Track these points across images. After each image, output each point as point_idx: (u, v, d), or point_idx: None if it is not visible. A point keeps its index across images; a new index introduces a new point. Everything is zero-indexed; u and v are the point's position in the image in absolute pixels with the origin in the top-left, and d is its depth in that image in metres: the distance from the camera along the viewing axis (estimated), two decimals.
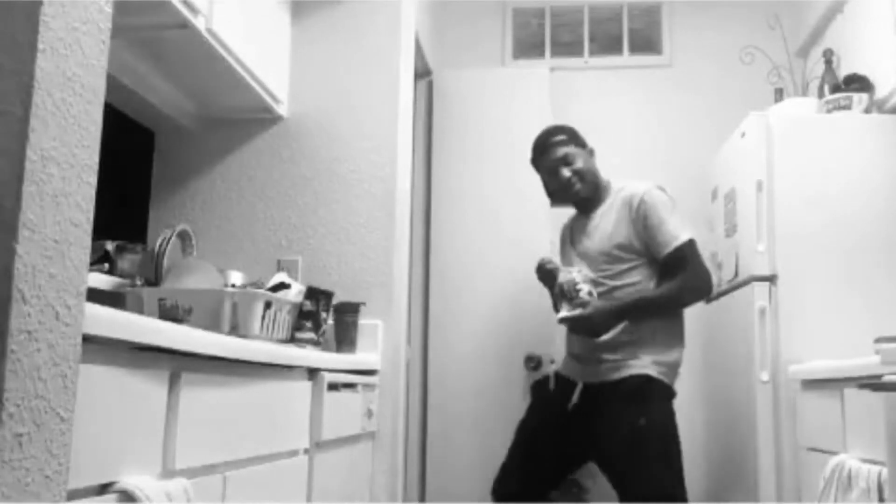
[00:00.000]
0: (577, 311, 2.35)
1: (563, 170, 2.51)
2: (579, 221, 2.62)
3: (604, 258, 2.46)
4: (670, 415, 2.39)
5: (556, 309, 2.47)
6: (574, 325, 2.40)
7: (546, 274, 2.50)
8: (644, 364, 2.39)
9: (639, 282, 2.44)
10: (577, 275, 2.40)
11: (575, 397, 2.46)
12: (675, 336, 2.48)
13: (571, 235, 2.65)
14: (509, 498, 2.50)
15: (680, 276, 2.41)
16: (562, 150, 2.52)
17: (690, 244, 2.43)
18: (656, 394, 2.39)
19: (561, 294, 2.41)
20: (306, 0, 2.73)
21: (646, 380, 2.38)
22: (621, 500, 2.36)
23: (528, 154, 2.67)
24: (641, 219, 2.42)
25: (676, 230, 2.41)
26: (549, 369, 3.01)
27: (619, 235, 2.45)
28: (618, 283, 2.44)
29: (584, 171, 2.52)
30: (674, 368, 2.45)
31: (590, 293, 2.38)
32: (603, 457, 2.45)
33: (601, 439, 2.39)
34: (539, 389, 2.69)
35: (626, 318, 2.40)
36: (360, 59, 2.69)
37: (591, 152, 2.58)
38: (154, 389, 1.24)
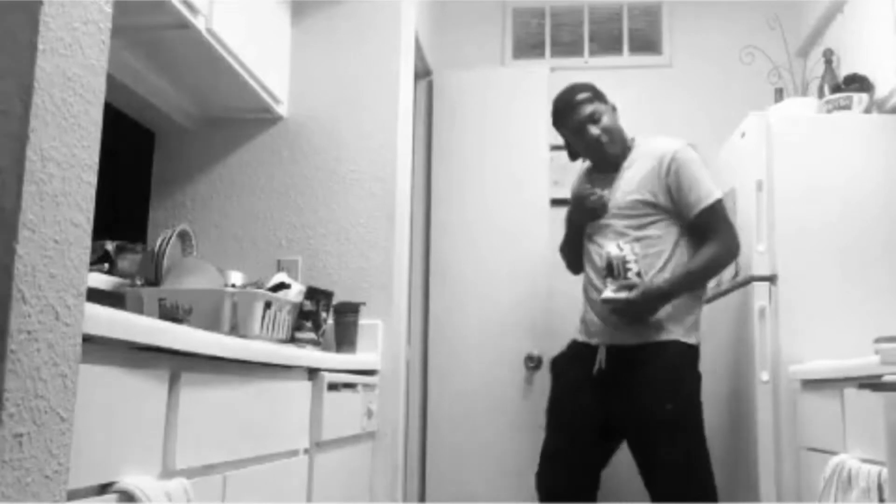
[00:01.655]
0: (624, 294, 2.28)
1: (590, 127, 2.46)
2: (599, 177, 2.56)
3: (626, 212, 2.42)
4: (698, 381, 2.39)
5: (590, 284, 2.40)
6: (618, 308, 2.33)
7: (587, 211, 2.45)
8: (670, 327, 2.36)
9: (660, 236, 2.41)
10: (627, 251, 2.31)
11: (600, 361, 2.40)
12: (697, 294, 2.48)
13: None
14: (558, 490, 2.43)
15: (714, 241, 2.40)
16: (589, 108, 2.47)
17: (720, 204, 2.43)
18: (685, 360, 2.38)
19: (608, 270, 2.31)
20: (306, 0, 2.73)
21: (673, 345, 2.36)
22: (643, 471, 2.35)
23: (529, 153, 2.65)
24: (674, 175, 2.40)
25: (708, 189, 2.41)
26: (539, 375, 2.99)
27: (645, 190, 2.42)
28: (639, 234, 2.40)
29: (612, 128, 2.48)
30: (697, 325, 2.45)
31: (638, 273, 2.29)
32: (632, 428, 2.40)
33: (632, 410, 2.35)
34: (558, 365, 2.60)
35: (673, 298, 2.36)
36: (360, 58, 2.69)
37: (614, 108, 2.54)
38: (154, 389, 1.24)
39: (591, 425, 2.44)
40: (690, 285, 2.40)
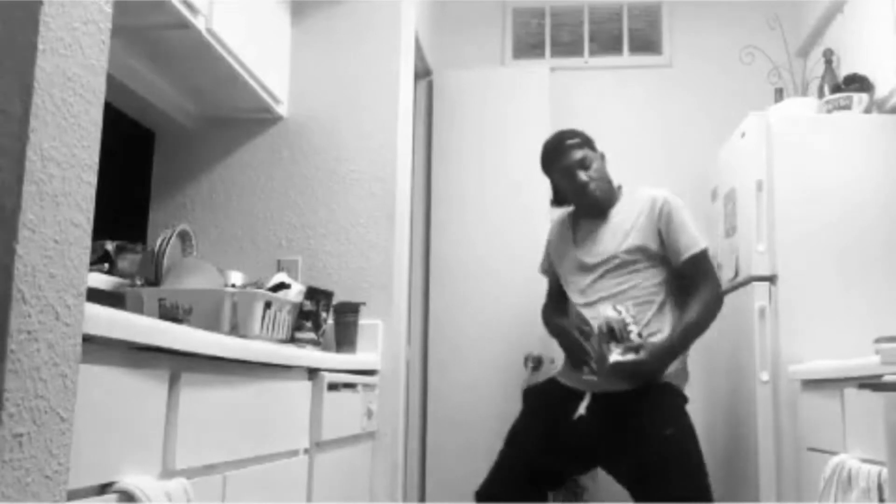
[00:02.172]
0: (632, 357, 2.23)
1: (580, 173, 2.46)
2: (585, 224, 2.56)
3: (617, 260, 2.41)
4: (689, 418, 2.35)
5: (592, 351, 2.33)
6: (627, 370, 2.24)
7: (573, 341, 2.45)
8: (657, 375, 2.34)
9: (647, 287, 2.39)
10: (625, 313, 2.27)
11: (582, 409, 2.36)
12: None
13: (574, 237, 2.57)
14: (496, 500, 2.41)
15: (702, 292, 2.38)
16: (579, 154, 2.47)
17: (706, 253, 2.43)
18: (675, 399, 2.36)
19: (610, 335, 2.25)
20: (306, 0, 2.73)
21: (666, 387, 2.34)
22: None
23: (529, 153, 2.64)
24: (665, 219, 2.41)
25: (697, 236, 2.42)
26: (539, 375, 2.98)
27: (638, 236, 2.42)
28: (625, 286, 2.39)
29: (600, 176, 2.49)
30: (686, 370, 2.45)
31: (640, 334, 2.26)
32: (629, 469, 2.32)
33: (626, 451, 2.29)
34: (533, 397, 2.57)
35: (678, 354, 2.36)
36: (360, 59, 2.69)
37: (602, 156, 2.55)
38: (154, 389, 1.24)
39: (554, 463, 2.41)
40: (691, 339, 2.39)
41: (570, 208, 2.64)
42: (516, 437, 2.48)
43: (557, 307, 2.64)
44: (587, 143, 2.53)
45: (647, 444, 2.25)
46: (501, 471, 2.44)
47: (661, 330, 2.36)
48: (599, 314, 2.31)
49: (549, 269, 2.70)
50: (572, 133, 2.54)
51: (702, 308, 2.37)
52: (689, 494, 2.20)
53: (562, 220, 2.68)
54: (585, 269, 2.48)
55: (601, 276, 2.43)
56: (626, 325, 2.25)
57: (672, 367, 2.37)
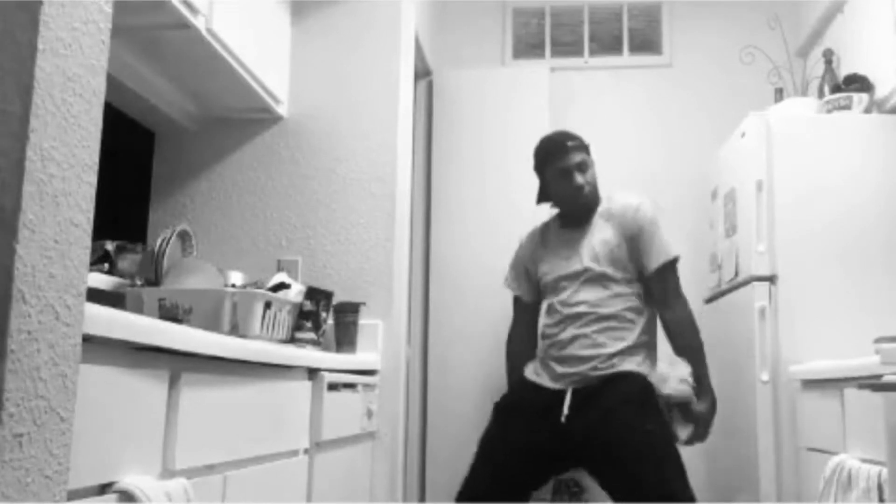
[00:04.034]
0: (694, 436, 2.33)
1: (577, 175, 2.42)
2: (563, 232, 2.52)
3: (592, 273, 2.38)
4: (661, 412, 2.34)
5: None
6: (704, 423, 2.35)
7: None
8: (636, 361, 2.33)
9: (632, 300, 2.38)
10: (688, 384, 2.32)
11: (566, 408, 2.30)
12: (655, 346, 2.45)
13: (551, 244, 2.53)
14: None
15: (678, 315, 2.39)
16: (579, 156, 2.44)
17: (675, 263, 2.40)
18: (647, 390, 2.31)
19: (679, 411, 2.32)
20: (306, 0, 2.73)
21: (642, 379, 2.31)
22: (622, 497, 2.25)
23: (529, 153, 2.61)
24: (637, 228, 2.38)
25: (668, 244, 2.39)
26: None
27: (611, 246, 2.39)
28: (602, 310, 2.36)
29: (594, 183, 2.46)
30: (648, 363, 2.39)
31: (696, 394, 2.33)
32: (606, 462, 2.28)
33: (604, 445, 2.25)
34: (505, 412, 2.46)
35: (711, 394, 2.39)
36: (360, 58, 2.69)
37: (593, 164, 2.50)
38: (154, 389, 1.24)
39: (537, 469, 2.38)
40: (704, 361, 2.39)
41: (541, 224, 2.61)
42: (494, 453, 2.39)
43: (527, 335, 2.59)
44: (585, 147, 2.49)
45: (630, 438, 2.22)
46: (483, 485, 2.36)
47: (639, 345, 2.37)
48: (673, 376, 2.33)
49: (516, 284, 2.63)
50: (573, 135, 2.51)
51: (695, 336, 2.39)
52: (677, 490, 2.18)
53: (533, 232, 2.64)
54: (563, 278, 2.44)
55: (581, 286, 2.39)
56: (692, 399, 2.31)
57: (631, 358, 2.34)
